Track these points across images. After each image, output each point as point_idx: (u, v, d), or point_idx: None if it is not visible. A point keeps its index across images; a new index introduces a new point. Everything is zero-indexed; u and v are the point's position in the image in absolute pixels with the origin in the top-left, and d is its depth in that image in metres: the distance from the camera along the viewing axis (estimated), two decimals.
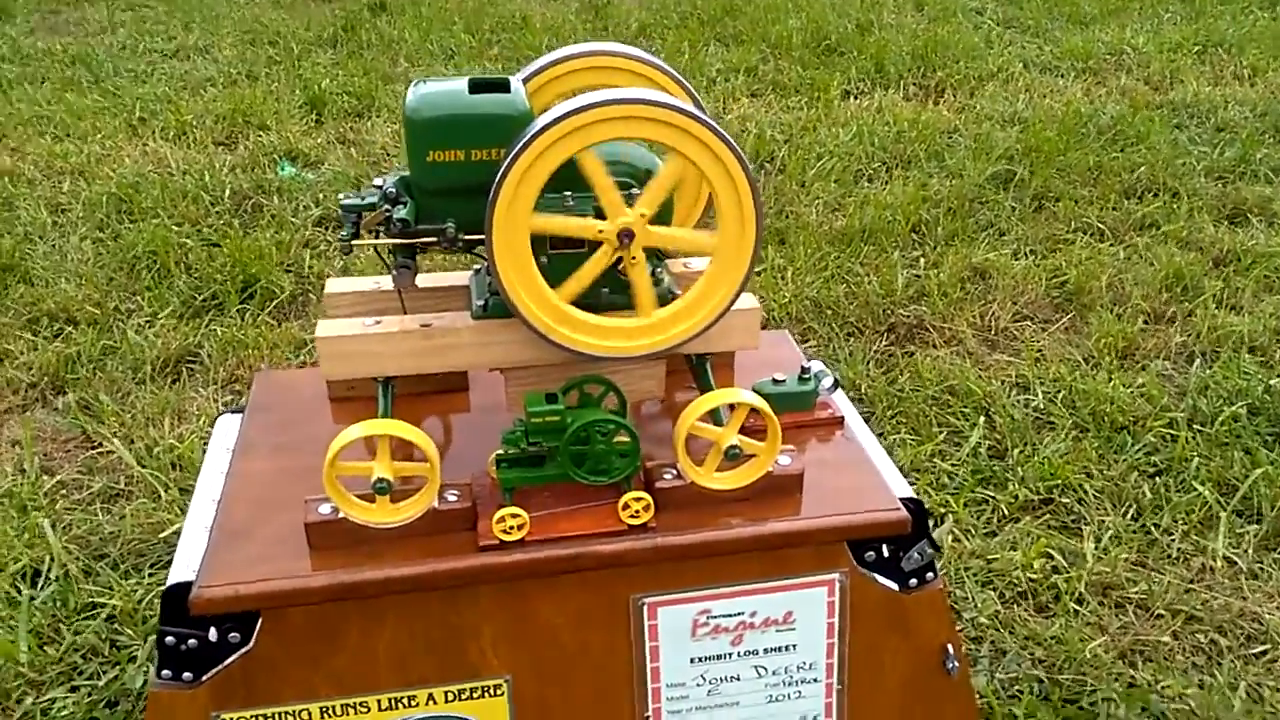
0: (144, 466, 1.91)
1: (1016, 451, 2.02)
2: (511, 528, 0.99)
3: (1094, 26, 5.19)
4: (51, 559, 1.65)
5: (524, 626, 1.04)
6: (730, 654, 1.09)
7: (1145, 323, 2.51)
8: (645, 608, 1.05)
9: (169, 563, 1.66)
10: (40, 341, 2.35)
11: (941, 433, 2.10)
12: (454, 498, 1.02)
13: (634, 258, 0.99)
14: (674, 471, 1.05)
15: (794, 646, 1.11)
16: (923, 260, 2.84)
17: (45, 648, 1.51)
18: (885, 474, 1.15)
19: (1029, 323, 2.56)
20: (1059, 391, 2.22)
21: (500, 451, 1.02)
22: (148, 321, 2.43)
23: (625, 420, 1.01)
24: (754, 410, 1.03)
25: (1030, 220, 3.09)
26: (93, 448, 2.01)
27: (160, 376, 2.24)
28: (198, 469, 1.80)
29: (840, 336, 2.48)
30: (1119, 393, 2.18)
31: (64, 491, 1.87)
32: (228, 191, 3.11)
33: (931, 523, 1.83)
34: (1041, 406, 2.18)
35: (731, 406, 1.04)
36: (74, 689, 1.45)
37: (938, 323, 2.54)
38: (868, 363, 2.36)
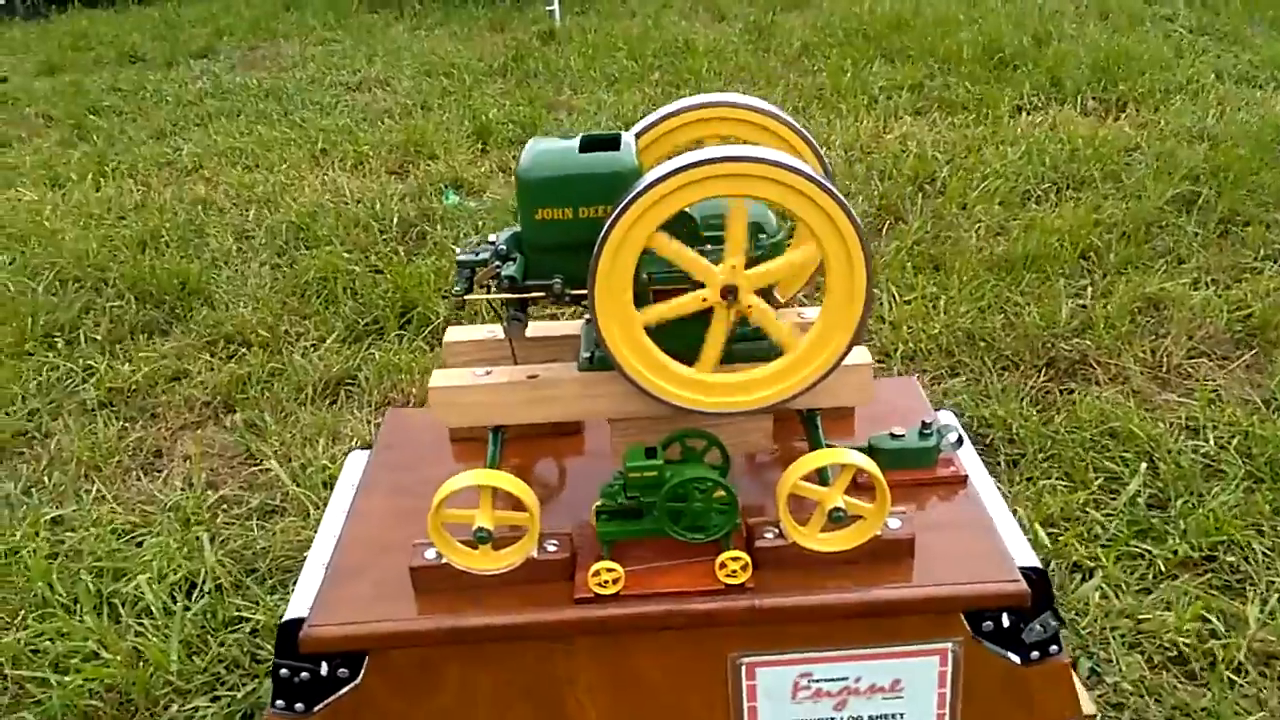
0: (298, 485, 2.02)
1: (1180, 502, 1.88)
2: (606, 581, 0.99)
3: None
4: (206, 572, 1.77)
5: (621, 679, 1.04)
6: (833, 719, 1.06)
7: None
8: (744, 667, 1.03)
9: None
10: (217, 362, 2.53)
11: (1098, 479, 1.97)
12: (553, 548, 1.03)
13: (749, 306, 0.97)
14: (775, 530, 1.03)
15: (901, 716, 1.06)
16: (1090, 289, 2.68)
17: (194, 657, 1.62)
18: (1007, 539, 1.09)
19: (1205, 360, 2.37)
20: (1233, 437, 2.05)
21: (599, 503, 1.02)
22: (313, 345, 2.57)
23: (723, 479, 1.00)
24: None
25: (1214, 246, 2.87)
26: (254, 465, 2.14)
27: (320, 398, 2.37)
28: None
29: (994, 371, 2.37)
30: None
31: (224, 506, 2.01)
32: (396, 219, 3.26)
33: (1079, 578, 1.73)
34: (1212, 453, 2.01)
35: (839, 465, 1.01)
36: (215, 699, 1.55)
37: (1103, 358, 2.39)
38: (1022, 400, 2.24)
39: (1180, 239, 2.91)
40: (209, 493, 2.04)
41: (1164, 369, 2.35)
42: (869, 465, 1.00)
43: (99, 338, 2.65)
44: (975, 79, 4.39)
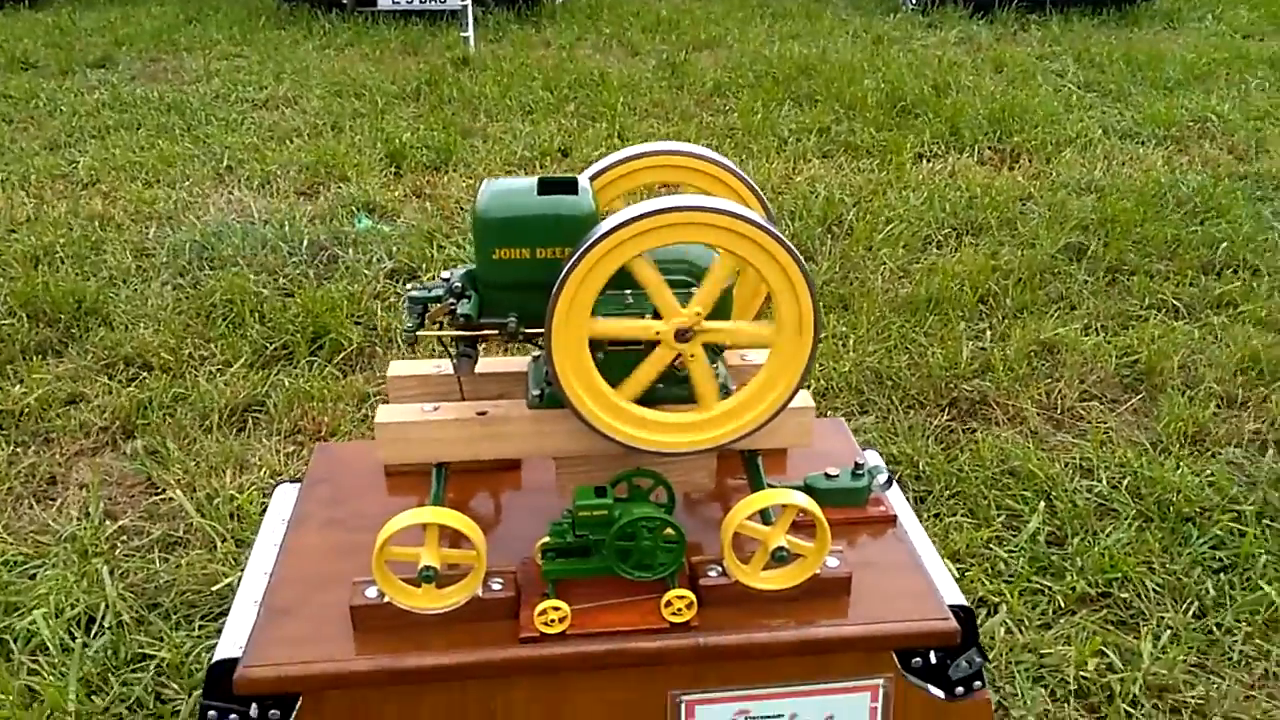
0: (203, 516, 1.95)
1: (1077, 540, 1.97)
2: (553, 620, 0.99)
3: (1178, 92, 5.11)
4: (107, 606, 1.70)
5: (562, 718, 1.03)
6: None
7: (1218, 407, 2.44)
8: (683, 705, 1.04)
9: (219, 615, 1.70)
10: (115, 385, 2.43)
11: (1000, 516, 2.05)
12: (498, 586, 1.03)
13: (693, 354, 0.99)
14: (719, 568, 1.05)
15: None
16: (989, 332, 2.80)
17: (93, 697, 1.55)
18: (936, 579, 1.13)
19: (1096, 403, 2.50)
20: (1124, 477, 2.16)
21: (546, 540, 1.03)
22: (219, 370, 2.50)
23: (671, 518, 1.01)
24: None
25: (1102, 294, 3.03)
26: (156, 494, 2.06)
27: (227, 425, 2.29)
28: (255, 524, 1.84)
29: (900, 409, 2.45)
30: (1186, 481, 2.12)
31: (124, 537, 1.93)
32: (305, 241, 3.19)
33: (984, 612, 1.80)
34: (1105, 493, 2.12)
35: (781, 506, 1.04)
36: None
37: (1001, 399, 2.50)
38: (927, 438, 2.32)
39: (1071, 286, 3.07)
40: (108, 523, 1.95)
41: (1058, 410, 2.47)
42: (812, 507, 1.02)
43: None
44: (879, 125, 4.55)
